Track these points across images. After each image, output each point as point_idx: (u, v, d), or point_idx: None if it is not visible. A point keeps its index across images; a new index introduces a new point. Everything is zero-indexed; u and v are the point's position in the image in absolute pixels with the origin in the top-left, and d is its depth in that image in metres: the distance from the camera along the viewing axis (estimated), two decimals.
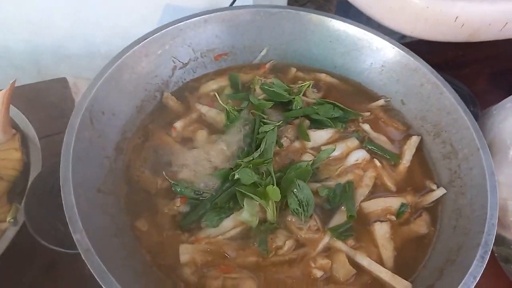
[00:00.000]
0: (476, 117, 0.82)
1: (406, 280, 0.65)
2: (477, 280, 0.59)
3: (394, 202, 0.74)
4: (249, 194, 0.66)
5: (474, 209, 0.68)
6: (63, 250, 0.62)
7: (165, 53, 0.84)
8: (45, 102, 1.06)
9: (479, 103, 0.98)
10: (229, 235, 0.67)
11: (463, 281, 0.59)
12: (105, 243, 0.60)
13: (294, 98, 0.83)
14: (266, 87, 0.84)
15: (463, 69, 1.26)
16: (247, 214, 0.66)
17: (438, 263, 0.66)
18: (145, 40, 0.80)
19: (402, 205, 0.73)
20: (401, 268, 0.68)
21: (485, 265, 0.61)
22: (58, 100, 1.06)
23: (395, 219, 0.72)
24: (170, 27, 0.83)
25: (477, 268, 0.60)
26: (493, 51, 1.26)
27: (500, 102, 0.86)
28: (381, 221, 0.71)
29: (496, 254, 0.81)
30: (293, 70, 0.93)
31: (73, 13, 1.08)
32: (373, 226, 0.70)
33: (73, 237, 0.57)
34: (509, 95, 1.15)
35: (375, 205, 0.73)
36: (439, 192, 0.75)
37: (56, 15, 1.08)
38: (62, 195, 0.60)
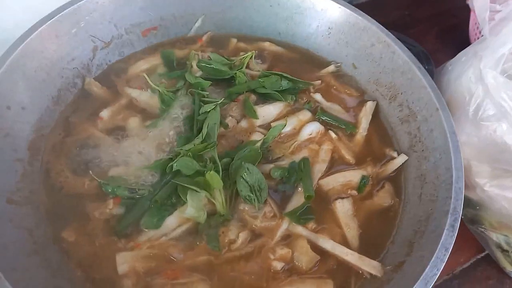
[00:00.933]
0: (432, 75, 0.77)
1: (374, 259, 0.59)
2: (449, 252, 0.54)
3: (354, 176, 0.68)
4: (190, 186, 0.57)
5: (439, 173, 0.63)
6: None
7: (81, 32, 0.72)
8: None
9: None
10: (174, 234, 0.59)
11: (435, 254, 0.54)
12: (21, 264, 0.50)
13: (236, 73, 0.74)
14: (203, 64, 0.74)
15: (411, 28, 1.22)
16: (192, 209, 0.57)
17: (407, 236, 0.61)
18: (53, 18, 0.68)
19: (363, 177, 0.68)
20: (368, 246, 0.62)
21: (456, 234, 0.56)
22: None
23: (357, 193, 0.66)
24: (84, 1, 0.71)
25: (448, 239, 0.55)
26: (439, 9, 1.23)
27: (455, 57, 0.81)
28: (342, 198, 0.64)
29: (462, 216, 0.78)
30: (234, 41, 0.83)
31: None
32: (334, 204, 0.64)
33: None
34: (459, 50, 1.11)
35: (335, 181, 0.66)
36: (401, 159, 0.69)
37: None
38: None
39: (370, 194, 0.67)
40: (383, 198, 0.66)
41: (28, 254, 0.52)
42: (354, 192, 0.66)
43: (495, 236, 0.78)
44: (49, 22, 0.67)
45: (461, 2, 1.11)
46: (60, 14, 0.68)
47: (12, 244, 0.51)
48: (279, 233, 0.60)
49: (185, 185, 0.57)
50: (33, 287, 0.48)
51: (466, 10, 1.07)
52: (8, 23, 1.02)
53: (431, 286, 0.51)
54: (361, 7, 0.84)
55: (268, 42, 0.84)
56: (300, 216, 0.62)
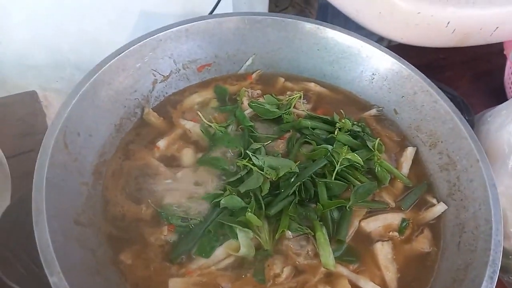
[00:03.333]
0: (472, 125, 0.80)
1: None
2: None
3: (394, 218, 0.70)
4: (233, 225, 0.61)
5: (478, 224, 0.66)
6: None
7: (145, 66, 0.78)
8: (14, 117, 0.98)
9: None
10: (223, 265, 0.62)
11: None
12: (87, 283, 0.54)
13: (284, 113, 0.78)
14: (255, 104, 0.79)
15: (445, 72, 1.25)
16: (245, 248, 0.61)
17: (446, 284, 0.63)
18: (122, 53, 0.73)
19: (403, 220, 0.70)
20: None
21: (494, 286, 0.58)
22: (28, 115, 0.99)
23: (398, 235, 0.69)
24: (149, 38, 0.77)
25: None
26: (474, 53, 1.25)
27: (495, 109, 0.84)
28: (383, 241, 0.67)
29: None
30: (281, 80, 0.88)
31: (32, 18, 1.00)
32: (375, 246, 0.66)
33: (50, 280, 0.50)
34: (493, 97, 1.14)
35: (376, 222, 0.69)
36: (440, 208, 0.71)
37: (14, 20, 0.99)
38: (35, 232, 0.53)
39: (409, 239, 0.69)
40: (421, 243, 0.69)
41: (92, 274, 0.56)
42: (396, 234, 0.68)
43: None
44: (118, 56, 0.73)
45: (495, 48, 1.14)
46: (128, 50, 0.74)
47: (79, 263, 0.55)
48: (321, 271, 0.63)
49: (230, 223, 0.62)
50: None
51: (501, 57, 1.10)
52: (64, 46, 1.11)
53: None
54: (396, 48, 0.88)
55: (313, 83, 0.88)
56: (342, 257, 0.65)
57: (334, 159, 0.69)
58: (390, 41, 1.20)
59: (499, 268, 0.77)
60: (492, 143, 0.79)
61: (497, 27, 0.85)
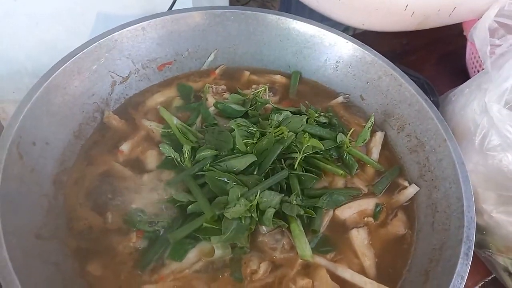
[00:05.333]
0: (437, 106, 0.80)
1: None
2: (465, 280, 0.56)
3: (368, 203, 0.70)
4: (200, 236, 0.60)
5: (450, 202, 0.66)
6: None
7: (101, 68, 0.74)
8: None
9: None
10: (197, 267, 0.60)
11: (452, 282, 0.56)
12: None
13: (250, 109, 0.77)
14: (220, 104, 0.77)
15: (410, 56, 1.26)
16: (220, 251, 0.59)
17: (423, 265, 0.63)
18: (76, 56, 0.70)
19: (377, 205, 0.70)
20: (384, 275, 0.64)
21: (470, 262, 0.58)
22: None
23: (373, 220, 0.68)
24: (104, 39, 0.74)
25: (463, 267, 0.57)
26: (436, 36, 1.27)
27: (458, 88, 0.85)
28: (358, 228, 0.66)
29: None
30: (247, 73, 0.87)
31: None
32: (351, 234, 0.66)
33: None
34: (457, 77, 1.15)
35: (350, 209, 0.68)
36: (412, 190, 0.72)
37: None
38: None
39: (384, 223, 0.69)
40: (396, 226, 0.68)
41: None
42: (371, 219, 0.68)
43: (502, 260, 0.80)
44: (72, 59, 0.69)
45: (455, 30, 1.16)
46: (82, 52, 0.71)
47: (43, 280, 0.52)
48: (299, 263, 0.62)
49: (199, 235, 0.60)
50: None
51: (461, 38, 1.12)
52: (20, 55, 1.05)
53: None
54: (361, 36, 0.88)
55: (279, 75, 0.87)
56: (318, 247, 0.64)
57: (297, 148, 0.68)
58: (355, 30, 1.20)
59: (474, 244, 0.78)
60: (457, 122, 0.80)
61: (455, 8, 0.86)
